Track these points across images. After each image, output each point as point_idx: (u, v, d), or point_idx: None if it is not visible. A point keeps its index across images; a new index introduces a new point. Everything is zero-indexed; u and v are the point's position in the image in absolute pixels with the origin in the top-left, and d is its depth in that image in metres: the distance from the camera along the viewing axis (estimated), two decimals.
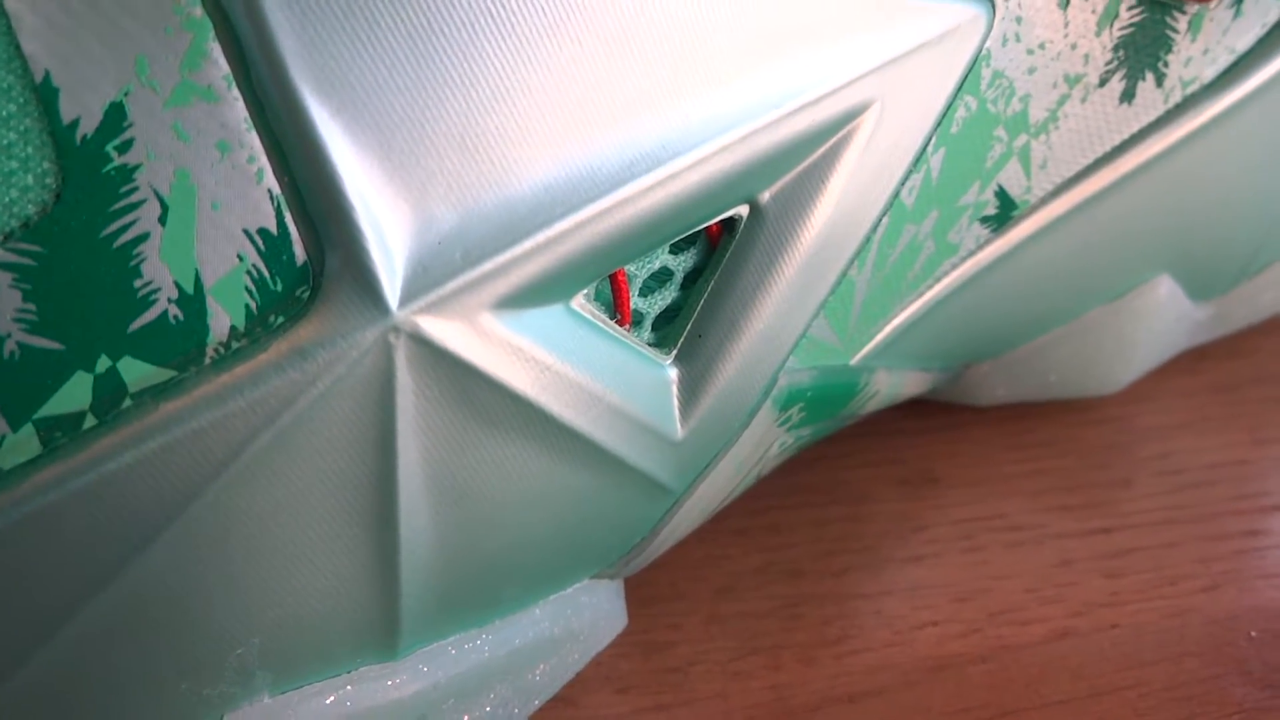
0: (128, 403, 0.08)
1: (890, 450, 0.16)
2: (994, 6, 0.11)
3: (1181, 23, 0.13)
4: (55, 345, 0.07)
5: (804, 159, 0.10)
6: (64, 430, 0.07)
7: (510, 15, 0.08)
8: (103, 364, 0.08)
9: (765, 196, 0.10)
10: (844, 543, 0.14)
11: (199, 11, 0.08)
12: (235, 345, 0.08)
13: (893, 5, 0.10)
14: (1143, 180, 0.14)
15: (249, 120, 0.08)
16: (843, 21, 0.10)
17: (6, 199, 0.07)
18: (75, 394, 0.08)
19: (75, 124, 0.07)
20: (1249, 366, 0.17)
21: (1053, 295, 0.15)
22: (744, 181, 0.10)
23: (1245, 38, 0.14)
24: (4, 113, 0.07)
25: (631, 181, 0.09)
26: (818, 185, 0.11)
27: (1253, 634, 0.12)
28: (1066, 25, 0.12)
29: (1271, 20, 0.14)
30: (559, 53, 0.09)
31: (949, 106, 0.11)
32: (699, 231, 0.11)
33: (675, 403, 0.11)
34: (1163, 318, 0.16)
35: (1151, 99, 0.13)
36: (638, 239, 0.10)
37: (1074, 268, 0.14)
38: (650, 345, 0.11)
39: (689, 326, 0.11)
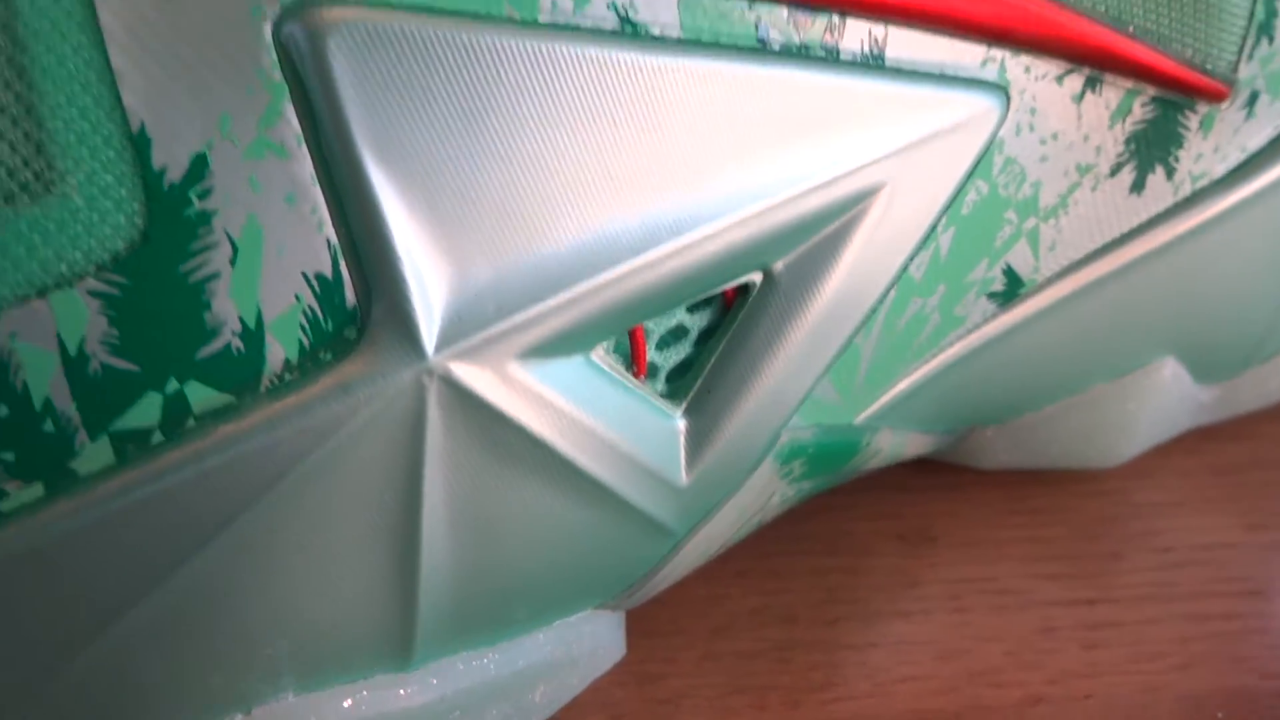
0: (191, 422, 0.09)
1: (892, 506, 0.16)
2: (1009, 99, 0.12)
3: (1193, 121, 0.13)
4: (133, 367, 0.08)
5: (817, 233, 0.11)
6: (135, 443, 0.08)
7: (553, 97, 0.09)
8: (172, 386, 0.09)
9: (779, 266, 0.11)
10: (839, 593, 0.15)
11: (278, 75, 0.09)
12: (288, 377, 0.09)
13: (909, 97, 0.11)
14: (1150, 267, 0.14)
15: (314, 175, 0.09)
16: (861, 112, 0.11)
17: (101, 234, 0.08)
18: (147, 411, 0.08)
19: (164, 171, 0.08)
20: (1250, 450, 0.18)
21: (1057, 370, 0.15)
22: (759, 252, 0.11)
23: (1257, 137, 0.14)
24: (104, 158, 0.08)
25: (653, 249, 0.10)
26: (829, 258, 0.11)
27: (1220, 715, 0.13)
28: (1080, 118, 0.13)
29: None
30: (594, 131, 0.09)
31: (960, 190, 0.12)
32: (715, 293, 0.11)
33: (682, 452, 0.11)
34: (1166, 398, 0.16)
35: (1161, 191, 0.14)
36: (656, 300, 0.10)
37: (1078, 346, 0.15)
38: (663, 396, 0.11)
39: (699, 382, 0.11)
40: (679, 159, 0.10)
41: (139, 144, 0.08)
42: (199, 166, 0.08)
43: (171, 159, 0.08)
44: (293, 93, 0.09)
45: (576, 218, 0.09)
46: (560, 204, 0.09)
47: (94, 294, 0.08)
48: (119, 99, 0.08)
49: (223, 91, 0.08)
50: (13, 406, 0.08)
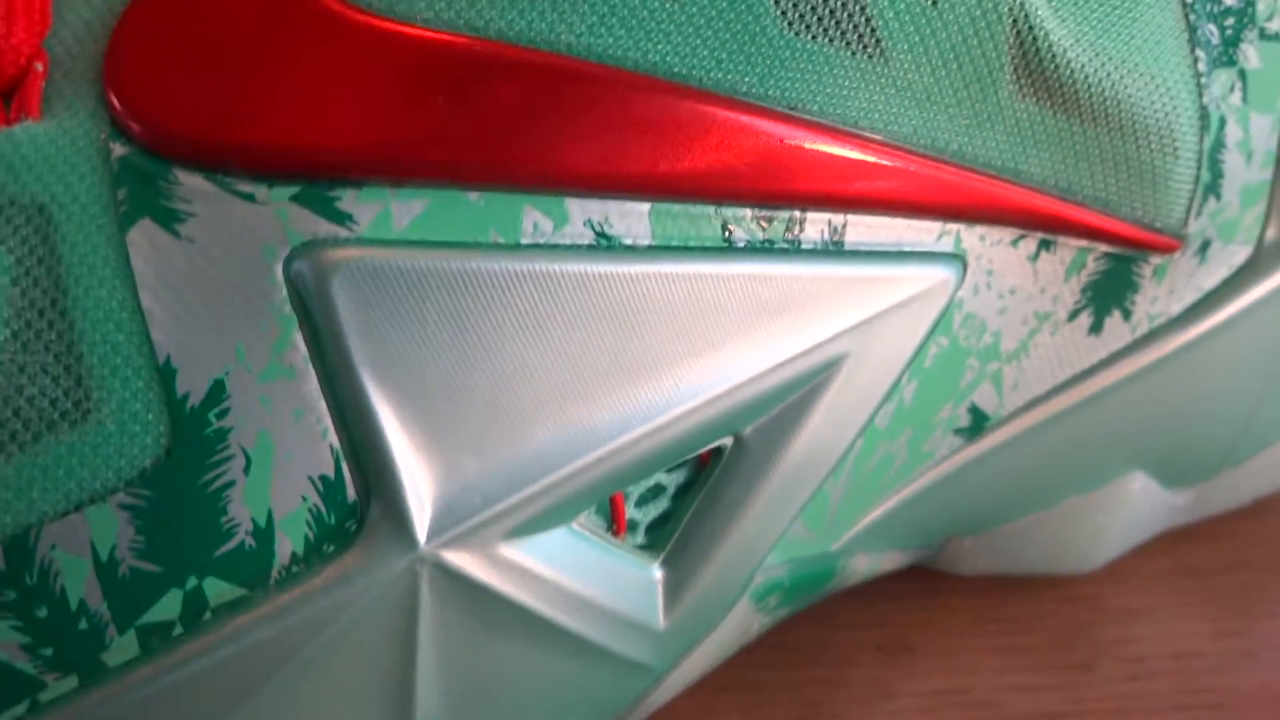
0: (208, 615, 0.10)
1: (873, 614, 0.17)
2: (965, 265, 0.13)
3: (1147, 269, 0.14)
4: (157, 568, 0.09)
5: (782, 402, 0.12)
6: (158, 636, 0.09)
7: (535, 311, 0.10)
8: (191, 583, 0.10)
9: (748, 430, 0.12)
10: (819, 706, 0.15)
11: (288, 308, 0.10)
12: (295, 569, 0.10)
13: (868, 275, 0.12)
14: (1112, 398, 0.15)
15: (319, 392, 0.10)
16: (823, 294, 0.12)
17: (130, 454, 0.09)
18: (169, 607, 0.09)
19: (186, 396, 0.09)
20: (1226, 550, 0.18)
21: (1025, 490, 0.16)
22: (729, 423, 0.12)
23: (1212, 278, 0.15)
24: (134, 388, 0.09)
25: (629, 432, 0.11)
26: (795, 422, 0.12)
27: None
28: (1036, 275, 0.14)
29: (1238, 263, 0.15)
30: (574, 336, 0.10)
31: (920, 348, 0.13)
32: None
33: (660, 599, 0.12)
34: (1137, 508, 0.17)
35: (1119, 330, 0.15)
36: (633, 474, 0.11)
37: (1045, 469, 0.16)
38: (641, 548, 0.12)
39: (676, 536, 0.12)
40: (653, 354, 0.11)
41: (165, 374, 0.09)
42: (217, 390, 0.09)
43: (193, 386, 0.09)
44: (301, 323, 0.10)
45: (557, 413, 0.10)
46: (542, 402, 0.10)
47: (124, 506, 0.09)
48: (148, 335, 0.09)
49: (239, 324, 0.09)
50: (51, 608, 0.09)
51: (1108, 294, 0.14)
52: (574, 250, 0.10)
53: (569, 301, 0.10)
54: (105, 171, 0.10)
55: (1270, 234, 0.15)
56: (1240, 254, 0.15)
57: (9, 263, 0.09)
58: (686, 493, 0.13)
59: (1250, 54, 0.13)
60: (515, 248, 0.10)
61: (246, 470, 0.10)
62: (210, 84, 0.10)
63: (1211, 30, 0.13)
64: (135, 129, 0.10)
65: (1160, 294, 0.15)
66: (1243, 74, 0.13)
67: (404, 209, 0.10)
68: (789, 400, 0.12)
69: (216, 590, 0.10)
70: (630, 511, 0.12)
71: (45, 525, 0.09)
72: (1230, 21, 0.13)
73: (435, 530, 0.10)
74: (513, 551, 0.11)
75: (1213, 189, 0.14)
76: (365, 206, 0.10)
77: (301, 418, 0.10)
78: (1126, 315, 0.14)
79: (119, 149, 0.10)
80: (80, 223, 0.09)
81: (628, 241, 0.11)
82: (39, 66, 0.10)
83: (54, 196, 0.10)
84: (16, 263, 0.09)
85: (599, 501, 0.11)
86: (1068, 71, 0.12)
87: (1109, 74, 0.12)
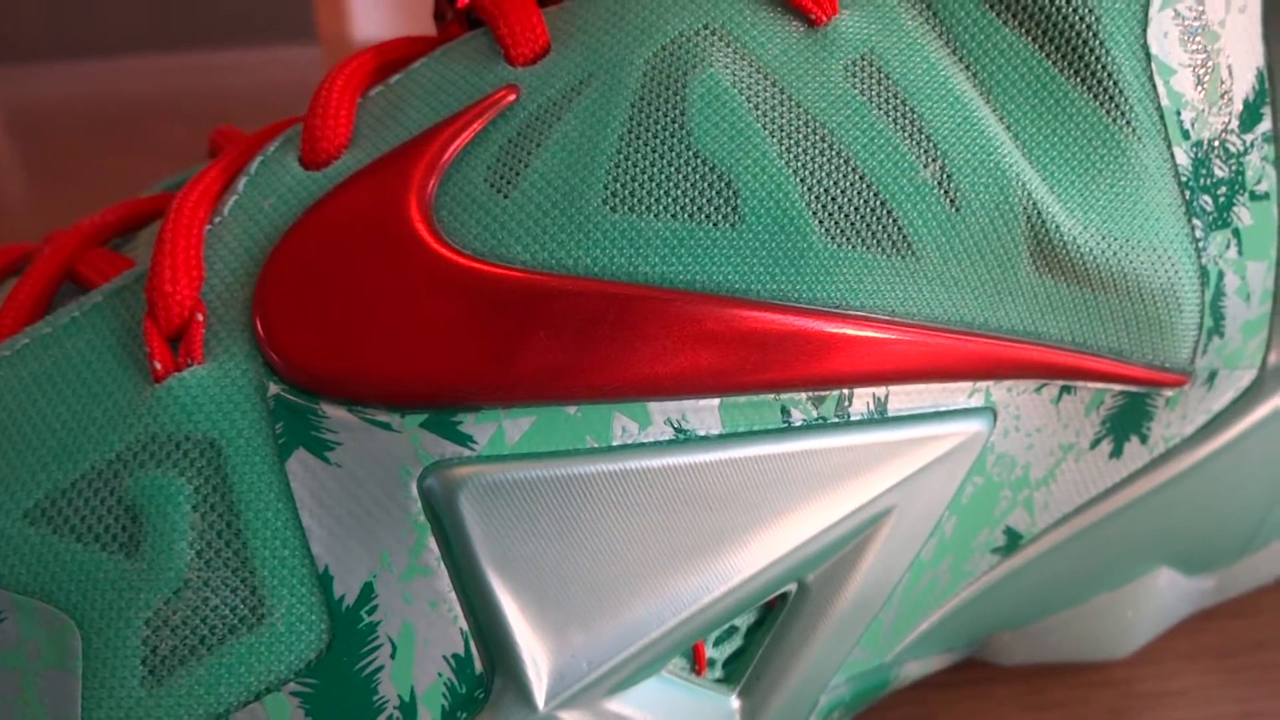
0: None
1: (923, 704, 0.18)
2: (995, 415, 0.14)
3: (1160, 400, 0.16)
4: None
5: (839, 552, 0.14)
6: None
7: (627, 502, 0.12)
8: None
9: (810, 577, 0.14)
10: None
11: (423, 518, 0.11)
12: None
13: (909, 437, 0.14)
14: (1133, 511, 0.17)
15: (451, 585, 0.11)
16: (871, 458, 0.13)
17: (298, 650, 0.11)
18: None
19: (342, 598, 0.11)
20: (1251, 629, 0.20)
21: (1058, 593, 0.17)
22: (792, 574, 0.13)
23: (1220, 401, 0.16)
24: (299, 594, 0.11)
25: (708, 595, 0.13)
26: (850, 566, 0.14)
27: None
28: (1059, 414, 0.15)
29: (1244, 386, 0.16)
30: (659, 521, 0.12)
31: (958, 491, 0.14)
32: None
33: None
34: (1164, 598, 0.18)
35: (1137, 453, 0.16)
36: (711, 627, 0.13)
37: (1076, 574, 0.17)
38: (719, 681, 0.14)
39: (749, 671, 0.14)
40: (728, 528, 0.12)
41: (324, 581, 0.11)
42: (368, 591, 0.11)
43: (348, 589, 0.11)
44: (433, 530, 0.11)
45: (648, 587, 0.12)
46: (635, 579, 0.12)
47: (294, 694, 0.11)
48: (309, 549, 0.11)
49: (383, 534, 0.11)
50: None
51: (1125, 424, 0.16)
52: (656, 446, 0.12)
53: (655, 491, 0.12)
54: (264, 408, 0.11)
55: (1273, 358, 0.16)
56: (1246, 377, 0.16)
57: (189, 491, 0.11)
58: (757, 630, 0.14)
59: (1242, 214, 0.15)
60: (608, 450, 0.12)
61: (393, 655, 0.11)
62: (345, 326, 0.12)
63: (1206, 200, 0.14)
64: (285, 370, 0.11)
65: (1174, 419, 0.16)
66: (1237, 232, 0.15)
67: (514, 426, 0.11)
68: (843, 551, 0.14)
69: None
70: (709, 651, 0.14)
71: (232, 715, 0.11)
72: (1223, 190, 0.14)
73: (550, 695, 0.12)
74: (615, 704, 0.12)
75: (1216, 330, 0.15)
76: (483, 428, 0.11)
77: (436, 607, 0.11)
78: (1144, 440, 0.16)
79: (273, 388, 0.11)
80: (246, 455, 0.11)
81: (701, 433, 0.12)
82: (200, 316, 0.12)
83: (223, 433, 0.11)
84: (195, 491, 0.11)
85: (683, 652, 0.13)
86: (1077, 253, 0.13)
87: (1115, 251, 0.14)
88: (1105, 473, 0.16)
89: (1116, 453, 0.16)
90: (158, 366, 0.12)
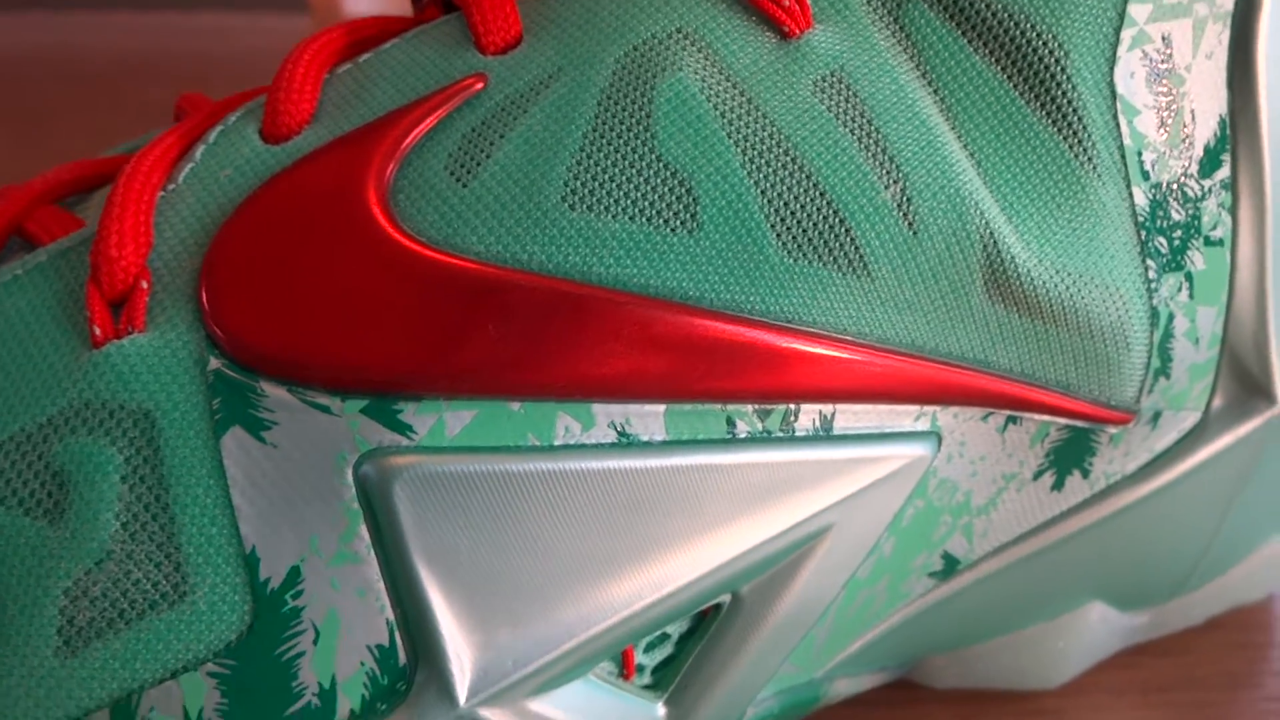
0: None
1: None
2: (940, 440, 0.14)
3: (1104, 437, 0.16)
4: None
5: (775, 566, 0.14)
6: None
7: (564, 503, 0.12)
8: None
9: (744, 589, 0.14)
10: None
11: (356, 505, 0.11)
12: None
13: (853, 456, 0.14)
14: (1071, 544, 0.17)
15: (379, 574, 0.11)
16: (813, 475, 0.13)
17: (219, 630, 0.11)
18: None
19: (267, 580, 0.11)
20: (1180, 666, 0.20)
21: (992, 620, 0.17)
22: (728, 585, 0.13)
23: (1163, 441, 0.17)
24: (224, 574, 0.11)
25: (640, 602, 0.12)
26: (786, 581, 0.14)
27: None
28: (1004, 443, 0.15)
29: (1187, 427, 0.17)
30: (595, 523, 0.12)
31: (898, 513, 0.14)
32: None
33: None
34: (1095, 633, 0.19)
35: (1079, 487, 0.16)
36: (642, 634, 0.13)
37: (1010, 602, 0.17)
38: (647, 688, 0.14)
39: (678, 679, 0.14)
40: (665, 535, 0.12)
41: (250, 562, 0.11)
42: (294, 575, 0.11)
43: (274, 572, 0.11)
44: (366, 517, 0.11)
45: (580, 589, 0.12)
46: (567, 580, 0.12)
47: (211, 674, 0.11)
48: (237, 528, 0.11)
49: (313, 518, 0.11)
50: None
51: (1068, 457, 0.16)
52: (599, 449, 0.12)
53: (593, 494, 0.12)
54: (202, 382, 0.11)
55: (1216, 402, 0.17)
56: (1189, 419, 0.17)
57: (119, 461, 0.11)
58: (689, 639, 0.14)
59: (1196, 258, 0.15)
60: (549, 449, 0.12)
61: (315, 641, 0.11)
62: (291, 305, 0.11)
63: (1161, 242, 0.14)
64: (227, 344, 0.11)
65: (1116, 456, 0.16)
66: (1189, 275, 0.15)
67: (456, 419, 0.11)
68: (779, 565, 0.14)
69: None
70: (638, 656, 0.14)
71: (146, 691, 0.11)
72: (1178, 233, 0.15)
73: (473, 691, 0.12)
74: (539, 705, 0.12)
75: (1163, 371, 0.15)
76: (423, 418, 0.11)
77: (363, 596, 0.11)
78: (1085, 474, 0.16)
79: (214, 362, 0.11)
80: (180, 428, 0.11)
81: (644, 438, 0.12)
82: (144, 284, 0.12)
83: (158, 404, 0.11)
84: (125, 462, 0.11)
85: (612, 656, 0.13)
86: (1030, 284, 0.13)
87: (1068, 286, 0.14)
88: (1045, 504, 0.16)
89: (1058, 485, 0.16)
90: (97, 332, 0.11)
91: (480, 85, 0.13)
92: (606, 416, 0.12)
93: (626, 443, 0.12)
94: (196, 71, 0.46)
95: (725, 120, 0.13)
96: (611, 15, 0.13)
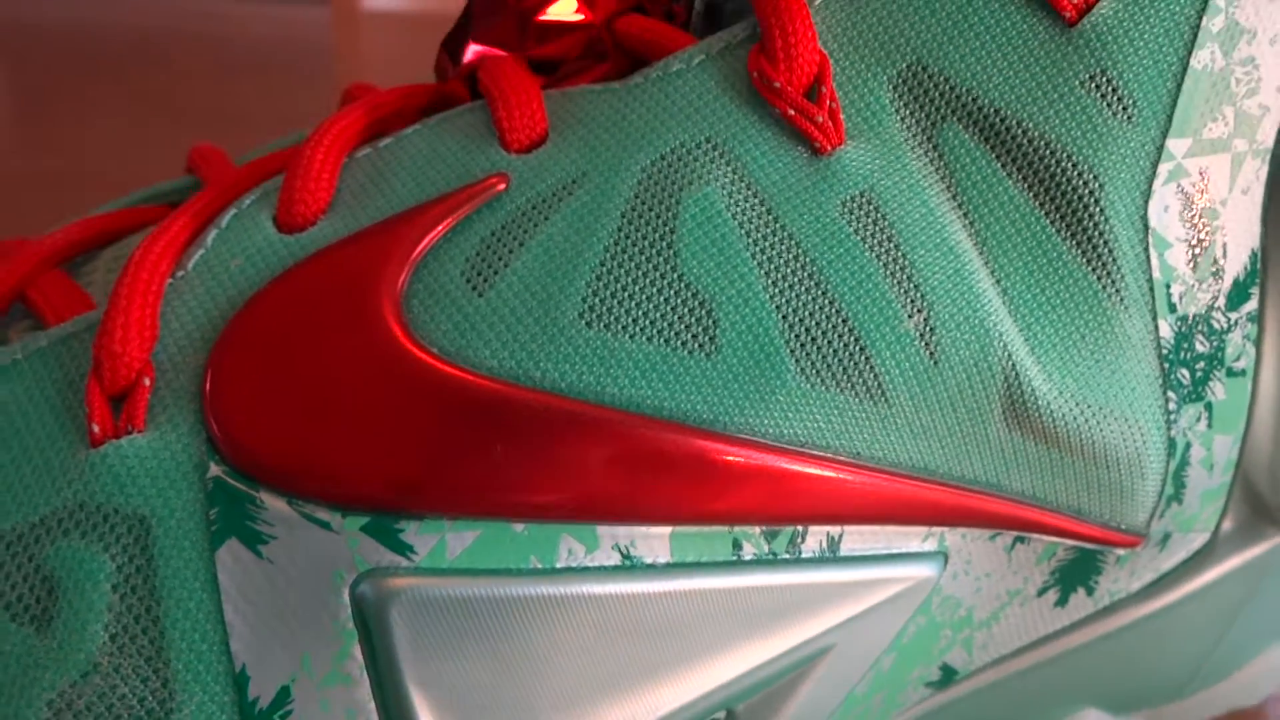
0: None
1: None
2: (946, 561, 0.14)
3: (1111, 558, 0.16)
4: None
5: (771, 686, 0.13)
6: None
7: (564, 628, 0.12)
8: None
9: (740, 707, 0.13)
10: None
11: (350, 625, 0.11)
12: None
13: (858, 578, 0.13)
14: (1070, 658, 0.17)
15: (370, 695, 0.11)
16: (817, 597, 0.13)
17: None
18: None
19: (256, 701, 0.11)
20: None
21: None
22: (724, 703, 0.13)
23: (1170, 561, 0.16)
24: (212, 691, 0.11)
25: None
26: (782, 700, 0.14)
27: None
28: (1010, 561, 0.15)
29: (1195, 548, 0.16)
30: (596, 648, 0.12)
31: (900, 631, 0.14)
32: None
33: None
34: None
35: (1082, 604, 0.16)
36: None
37: (1007, 711, 0.17)
38: None
39: None
40: (664, 661, 0.12)
41: (240, 680, 0.11)
42: (284, 695, 0.11)
43: (263, 691, 0.11)
44: (361, 638, 0.11)
45: (576, 713, 0.12)
46: (561, 705, 0.12)
47: None
48: (227, 645, 0.11)
49: (307, 637, 0.11)
50: None
51: (1074, 576, 0.16)
52: (601, 572, 0.12)
53: (595, 618, 0.12)
54: (200, 489, 0.11)
55: (1226, 525, 0.16)
56: (1198, 540, 0.16)
57: (111, 569, 0.11)
58: None
59: (1217, 389, 0.15)
60: (551, 572, 0.11)
61: None
62: (294, 411, 0.11)
63: (1184, 374, 0.14)
64: (227, 448, 0.11)
65: (1122, 575, 0.16)
66: (1209, 405, 0.15)
67: (458, 539, 0.11)
68: (777, 684, 0.13)
69: None
70: None
71: None
72: (1201, 365, 0.14)
73: None
74: None
75: (1176, 498, 0.15)
76: (424, 539, 0.11)
77: (353, 717, 0.11)
78: (1090, 592, 0.16)
79: (214, 468, 0.11)
80: (176, 538, 0.11)
81: (648, 560, 0.12)
82: (147, 381, 0.11)
83: (154, 510, 0.11)
84: (117, 570, 0.11)
85: None
86: (1050, 416, 0.13)
87: (1088, 419, 0.13)
88: (1048, 619, 0.16)
89: (1061, 602, 0.16)
90: (96, 430, 0.11)
91: (502, 186, 0.13)
92: (611, 538, 0.12)
93: (630, 566, 0.12)
94: (214, 57, 0.45)
95: (750, 240, 0.12)
96: (641, 120, 0.13)
